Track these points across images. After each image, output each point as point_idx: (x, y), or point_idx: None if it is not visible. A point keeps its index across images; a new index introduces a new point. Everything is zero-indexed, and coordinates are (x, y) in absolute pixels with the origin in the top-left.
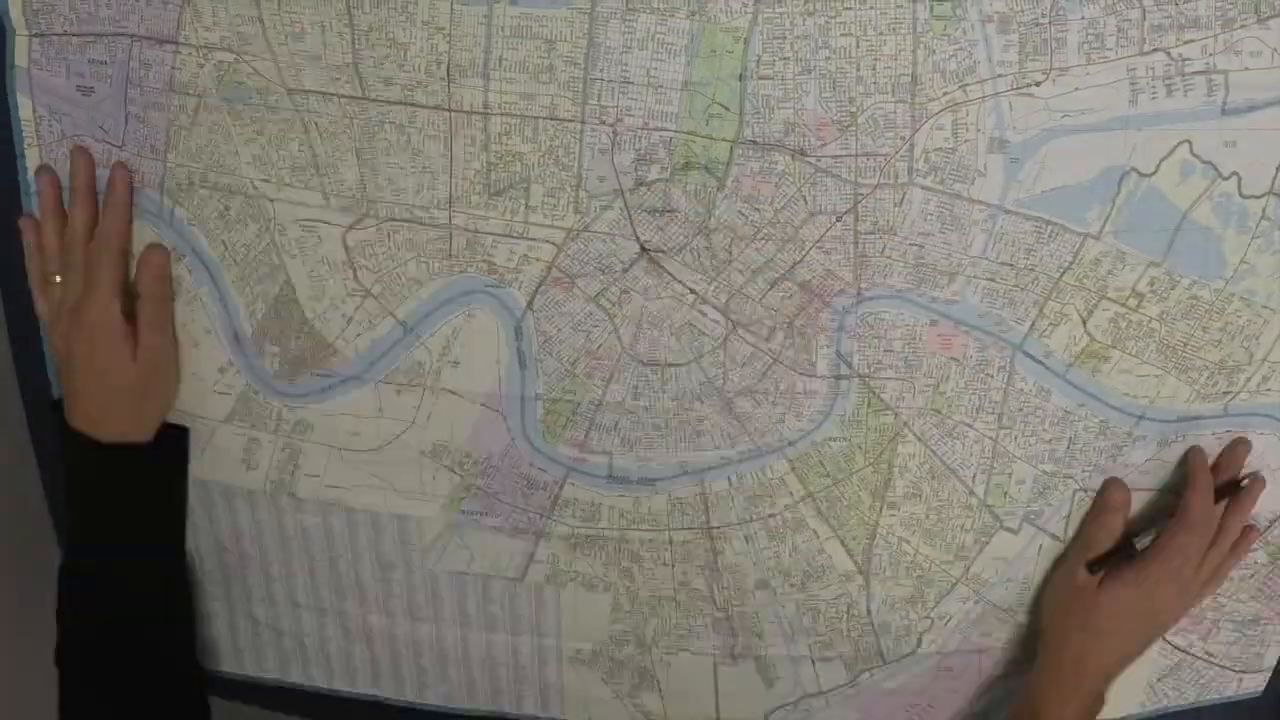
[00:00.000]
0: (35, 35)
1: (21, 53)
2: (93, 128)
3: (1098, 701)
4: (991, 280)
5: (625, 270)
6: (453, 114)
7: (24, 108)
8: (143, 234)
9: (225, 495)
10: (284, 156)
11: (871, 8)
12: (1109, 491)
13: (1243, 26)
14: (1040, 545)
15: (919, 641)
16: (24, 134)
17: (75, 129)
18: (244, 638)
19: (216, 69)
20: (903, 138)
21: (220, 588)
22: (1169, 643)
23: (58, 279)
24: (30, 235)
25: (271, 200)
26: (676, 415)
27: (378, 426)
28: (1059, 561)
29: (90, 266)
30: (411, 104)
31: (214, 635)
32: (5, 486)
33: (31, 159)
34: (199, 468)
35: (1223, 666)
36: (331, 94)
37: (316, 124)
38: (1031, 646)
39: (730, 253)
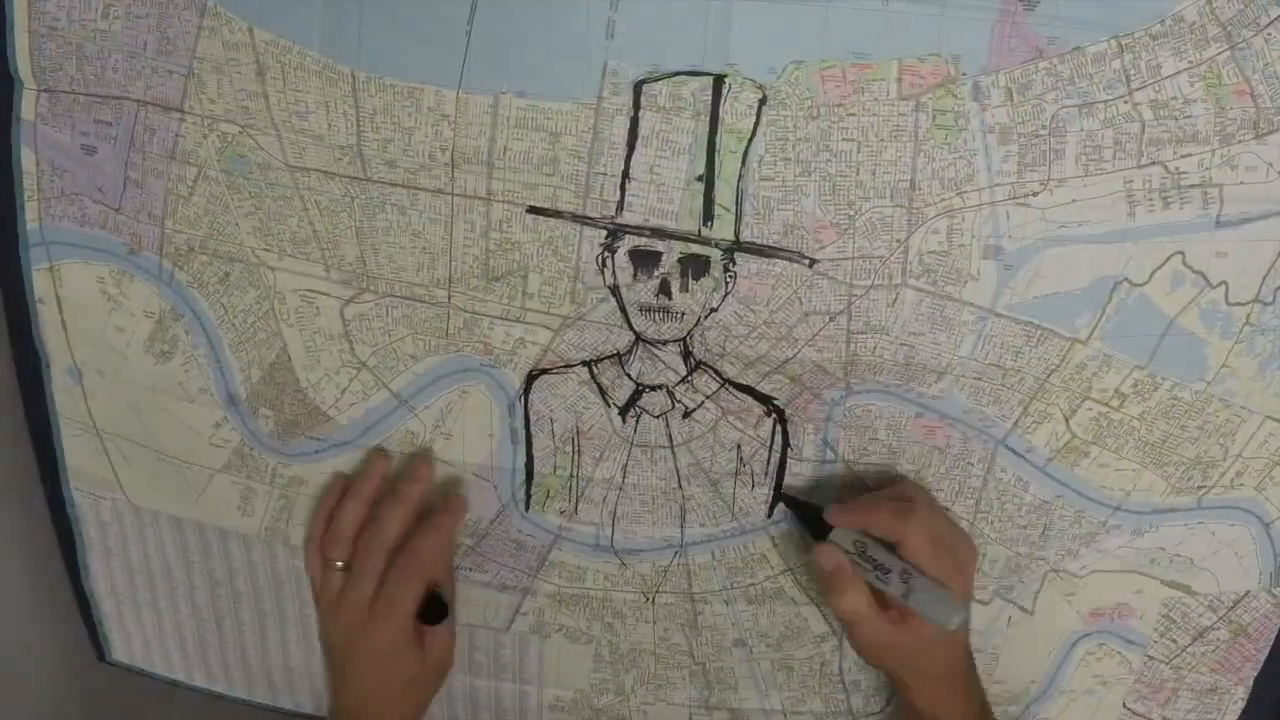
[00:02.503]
0: (44, 90)
1: (29, 106)
2: (91, 188)
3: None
4: (978, 379)
5: (621, 357)
6: (454, 198)
7: (27, 160)
8: (140, 293)
9: (221, 537)
10: (283, 229)
11: (874, 115)
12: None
13: (1240, 142)
14: (1009, 616)
15: (887, 701)
16: (25, 186)
17: (75, 187)
18: (234, 664)
19: (220, 140)
20: (898, 240)
21: (213, 620)
22: (1129, 709)
23: (338, 564)
24: (326, 505)
25: (273, 269)
26: (664, 494)
27: None
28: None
29: (395, 582)
30: (414, 187)
31: (209, 660)
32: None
33: (31, 211)
34: (195, 510)
35: None
36: (334, 173)
37: (316, 201)
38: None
39: (724, 348)
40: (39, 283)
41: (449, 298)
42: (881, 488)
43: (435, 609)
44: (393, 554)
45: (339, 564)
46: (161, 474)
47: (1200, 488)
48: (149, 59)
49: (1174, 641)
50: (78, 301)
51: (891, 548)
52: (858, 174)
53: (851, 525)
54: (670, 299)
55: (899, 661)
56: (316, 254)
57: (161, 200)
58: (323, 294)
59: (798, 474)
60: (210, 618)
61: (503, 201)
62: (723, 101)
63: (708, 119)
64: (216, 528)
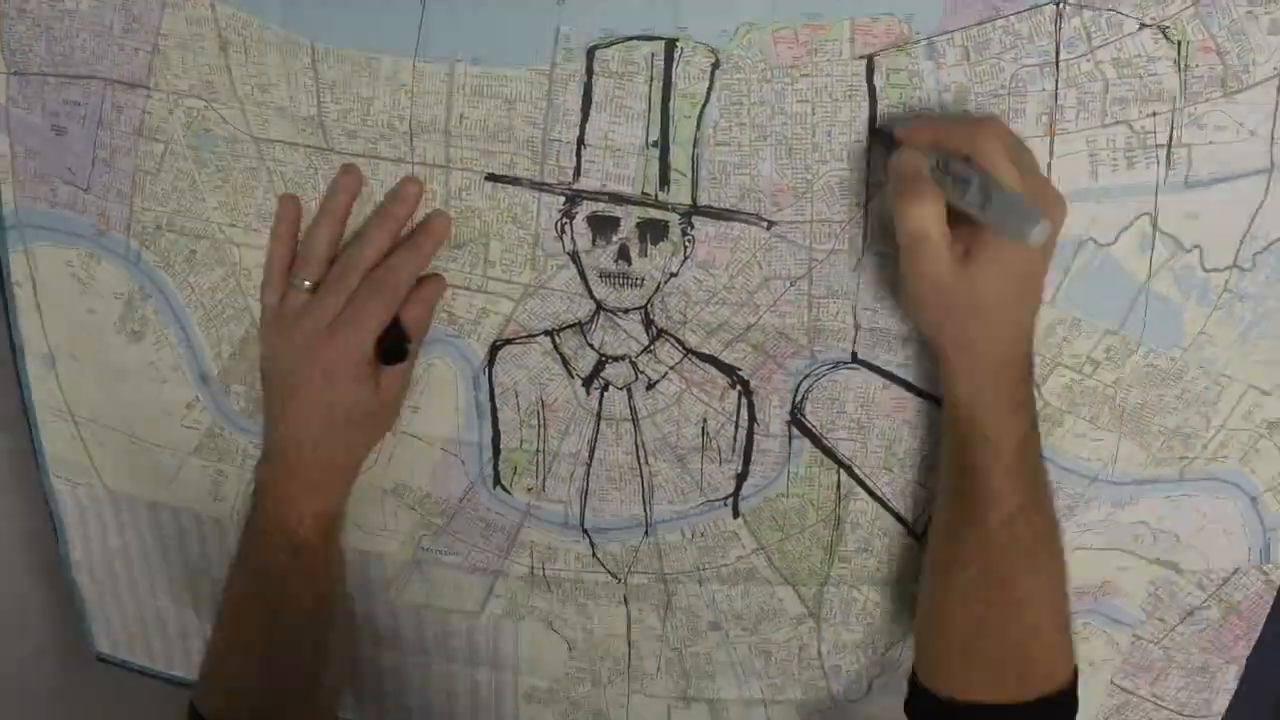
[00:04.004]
0: (14, 73)
1: (0, 89)
2: (61, 169)
3: (1029, 369)
4: None
5: (583, 326)
6: (414, 167)
7: (1, 143)
8: (109, 275)
9: (196, 521)
10: (250, 204)
11: (828, 75)
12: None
13: (1208, 100)
14: None
15: (869, 686)
16: (0, 170)
17: (46, 168)
18: None
19: (186, 115)
20: (858, 204)
21: (193, 608)
22: (1115, 684)
23: (306, 283)
24: (288, 221)
25: (238, 245)
26: (631, 469)
27: None
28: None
29: (365, 298)
30: (374, 157)
31: (189, 647)
32: None
33: (5, 194)
34: (170, 494)
35: (1171, 710)
36: (297, 144)
37: (282, 174)
38: None
39: (685, 315)
40: (15, 266)
41: None
42: None
43: (395, 350)
44: (366, 275)
45: (306, 283)
46: (135, 458)
47: (1182, 458)
48: (116, 37)
49: (1162, 620)
50: (50, 285)
51: (969, 162)
52: (813, 136)
53: (924, 141)
54: (629, 264)
55: (951, 317)
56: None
57: (130, 178)
58: None
59: (765, 450)
60: (189, 605)
61: (461, 169)
62: (675, 66)
63: (661, 84)
64: (191, 512)
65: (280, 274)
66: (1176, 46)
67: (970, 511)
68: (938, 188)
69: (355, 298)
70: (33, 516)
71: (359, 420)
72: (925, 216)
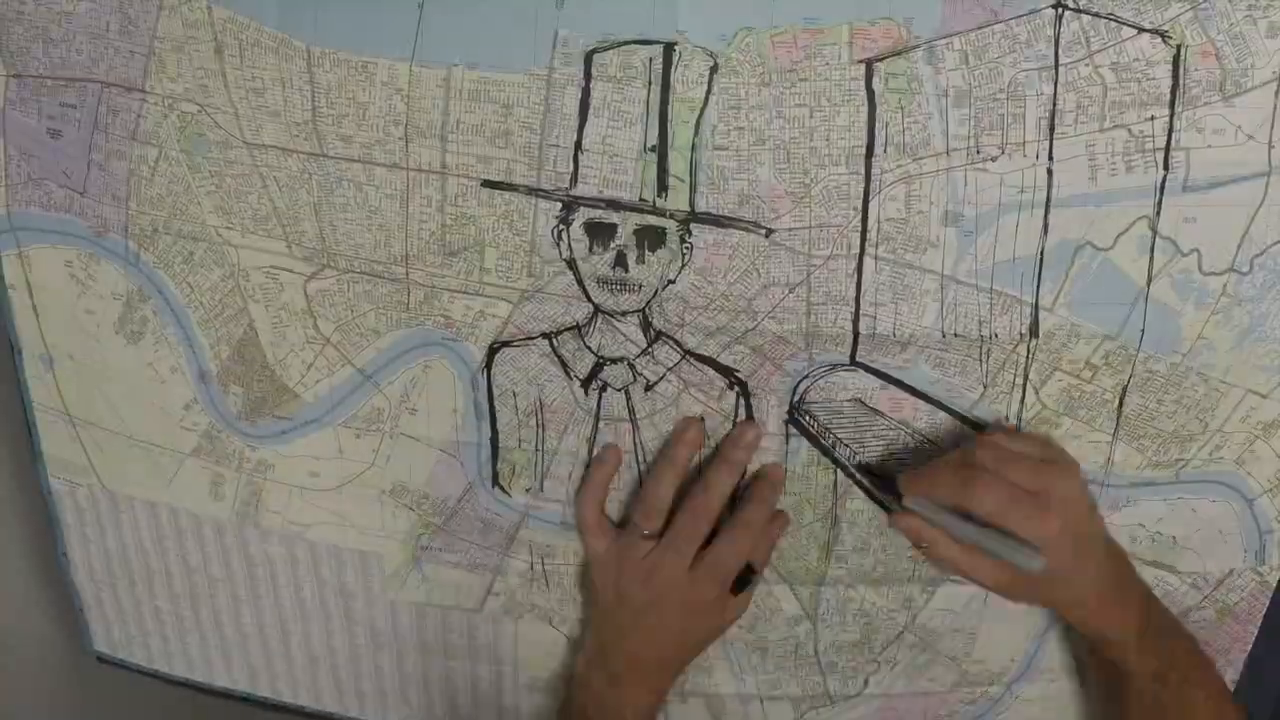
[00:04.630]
0: (12, 76)
1: None
2: (57, 172)
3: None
4: (943, 350)
5: (580, 329)
6: (410, 173)
7: None
8: (108, 275)
9: (194, 521)
10: (244, 207)
11: (826, 80)
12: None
13: (1206, 104)
14: (986, 597)
15: (865, 683)
16: None
17: (41, 171)
18: (214, 651)
19: (180, 119)
20: (855, 208)
21: (190, 607)
22: None
23: (645, 532)
24: (603, 481)
25: (235, 247)
26: (628, 469)
27: (338, 467)
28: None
29: (726, 551)
30: (369, 162)
31: (187, 646)
32: None
33: (0, 198)
34: (168, 495)
35: None
36: (290, 150)
37: (275, 179)
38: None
39: (683, 319)
40: (9, 269)
41: (407, 273)
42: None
43: (745, 582)
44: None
45: (646, 532)
46: (133, 459)
47: (1178, 461)
48: (111, 40)
49: None
50: (47, 286)
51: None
52: (811, 140)
53: (920, 493)
54: (627, 271)
55: (1034, 595)
56: (278, 231)
57: (124, 182)
58: (286, 270)
59: (763, 448)
60: (188, 605)
61: (457, 175)
62: (674, 70)
63: (659, 88)
64: (190, 513)
65: (598, 521)
66: (1175, 50)
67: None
68: (939, 531)
69: (715, 551)
70: (33, 517)
71: (705, 638)
72: (946, 553)
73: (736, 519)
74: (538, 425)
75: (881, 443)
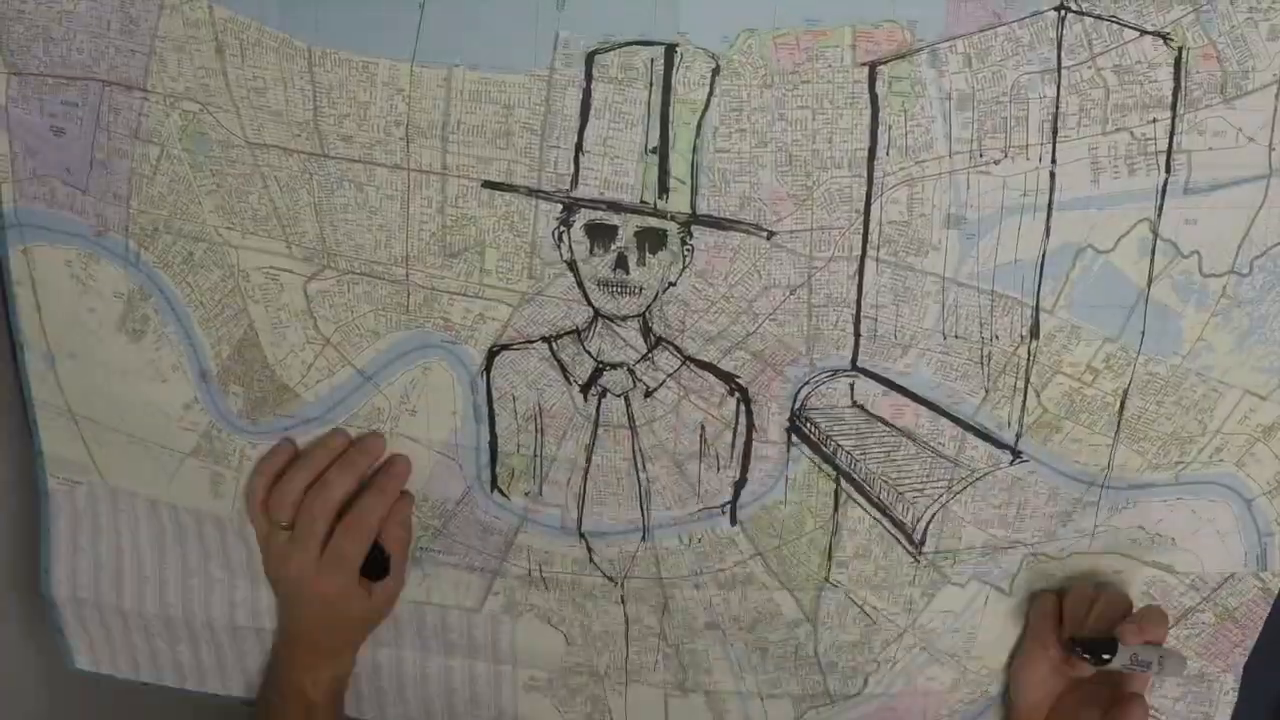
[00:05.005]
0: (13, 73)
1: (0, 89)
2: (60, 169)
3: None
4: (945, 353)
5: (580, 333)
6: (410, 174)
7: (0, 142)
8: (108, 275)
9: (196, 519)
10: (245, 207)
11: (829, 82)
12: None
13: (1208, 106)
14: (986, 597)
15: (865, 682)
16: None
17: (45, 169)
18: (208, 654)
19: (182, 118)
20: (857, 211)
21: (182, 612)
22: None
23: (282, 524)
24: (270, 472)
25: (236, 248)
26: (628, 475)
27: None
28: (1032, 641)
29: (341, 543)
30: (370, 162)
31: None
32: None
33: (5, 194)
34: (169, 492)
35: None
36: (292, 149)
37: (276, 178)
38: (979, 688)
39: (683, 323)
40: (14, 265)
41: (407, 275)
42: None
43: (377, 571)
44: (335, 517)
45: (282, 524)
46: (134, 457)
47: (1178, 463)
48: (112, 39)
49: None
50: (50, 284)
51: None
52: (814, 143)
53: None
54: (627, 273)
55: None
56: (278, 231)
57: (126, 180)
58: (285, 270)
59: (764, 457)
60: (180, 612)
61: (458, 176)
62: (675, 71)
63: (660, 90)
64: (191, 510)
65: (260, 508)
66: (1177, 53)
67: None
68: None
69: (335, 538)
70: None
71: (358, 622)
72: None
73: (352, 509)
74: (537, 430)
75: (883, 450)
